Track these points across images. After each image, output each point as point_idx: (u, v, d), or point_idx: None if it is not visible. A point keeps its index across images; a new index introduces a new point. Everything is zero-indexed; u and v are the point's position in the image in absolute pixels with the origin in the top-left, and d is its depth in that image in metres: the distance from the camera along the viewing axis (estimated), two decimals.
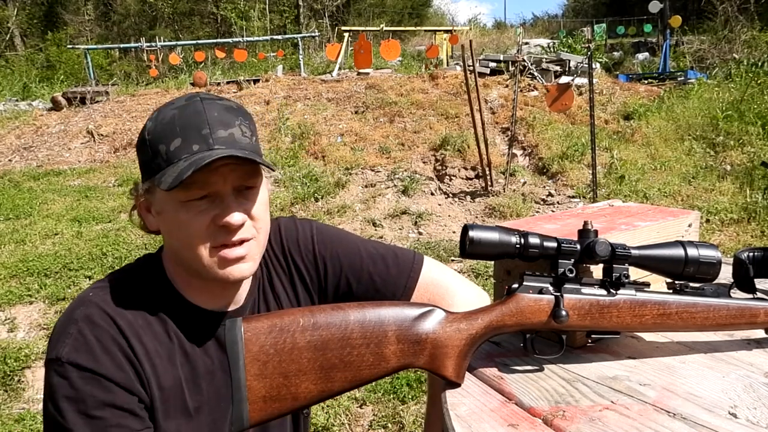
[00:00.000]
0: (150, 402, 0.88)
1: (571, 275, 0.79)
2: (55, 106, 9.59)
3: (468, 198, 5.92)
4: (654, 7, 12.70)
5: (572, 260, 0.79)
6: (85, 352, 0.84)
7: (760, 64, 9.44)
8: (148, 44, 12.21)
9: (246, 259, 0.89)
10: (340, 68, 10.77)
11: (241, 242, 0.88)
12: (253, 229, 0.89)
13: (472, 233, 0.77)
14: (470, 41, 5.77)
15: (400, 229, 5.18)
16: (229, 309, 0.97)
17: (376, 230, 5.12)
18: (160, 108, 0.89)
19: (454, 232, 5.04)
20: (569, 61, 9.88)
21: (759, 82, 8.11)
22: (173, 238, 0.90)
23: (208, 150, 0.83)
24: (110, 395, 0.84)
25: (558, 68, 9.62)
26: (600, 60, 11.53)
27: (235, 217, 0.85)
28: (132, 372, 0.86)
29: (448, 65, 11.37)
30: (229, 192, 0.86)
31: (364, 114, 8.09)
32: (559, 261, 0.79)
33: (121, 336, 0.86)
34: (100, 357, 0.84)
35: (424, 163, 6.62)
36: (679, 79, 9.89)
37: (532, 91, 8.43)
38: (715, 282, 0.83)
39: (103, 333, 0.85)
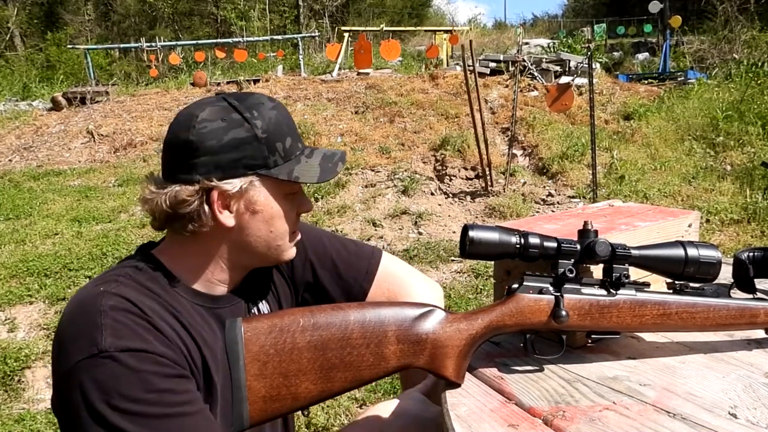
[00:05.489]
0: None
1: (571, 275, 0.79)
2: (55, 106, 9.58)
3: (468, 198, 5.92)
4: (654, 7, 12.69)
5: (572, 260, 0.79)
6: (130, 335, 0.78)
7: (760, 64, 9.43)
8: (148, 44, 12.21)
9: None
10: (340, 68, 10.77)
11: None
12: None
13: (472, 233, 0.77)
14: (470, 41, 5.76)
15: (400, 229, 5.18)
16: (227, 291, 0.98)
17: (376, 230, 5.11)
18: (255, 106, 0.89)
19: (454, 232, 5.04)
20: (569, 61, 9.88)
21: (759, 82, 8.11)
22: (264, 230, 0.93)
23: (304, 148, 0.95)
24: (169, 368, 0.79)
25: (558, 68, 9.61)
26: (600, 60, 11.52)
27: (311, 206, 1.01)
28: (176, 349, 0.83)
29: (448, 65, 11.36)
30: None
31: (364, 114, 8.09)
32: (559, 261, 0.79)
33: (151, 319, 0.83)
34: (146, 336, 0.80)
35: (424, 163, 6.62)
36: (679, 79, 9.89)
37: (532, 91, 8.43)
38: (715, 282, 0.83)
39: (136, 317, 0.81)
